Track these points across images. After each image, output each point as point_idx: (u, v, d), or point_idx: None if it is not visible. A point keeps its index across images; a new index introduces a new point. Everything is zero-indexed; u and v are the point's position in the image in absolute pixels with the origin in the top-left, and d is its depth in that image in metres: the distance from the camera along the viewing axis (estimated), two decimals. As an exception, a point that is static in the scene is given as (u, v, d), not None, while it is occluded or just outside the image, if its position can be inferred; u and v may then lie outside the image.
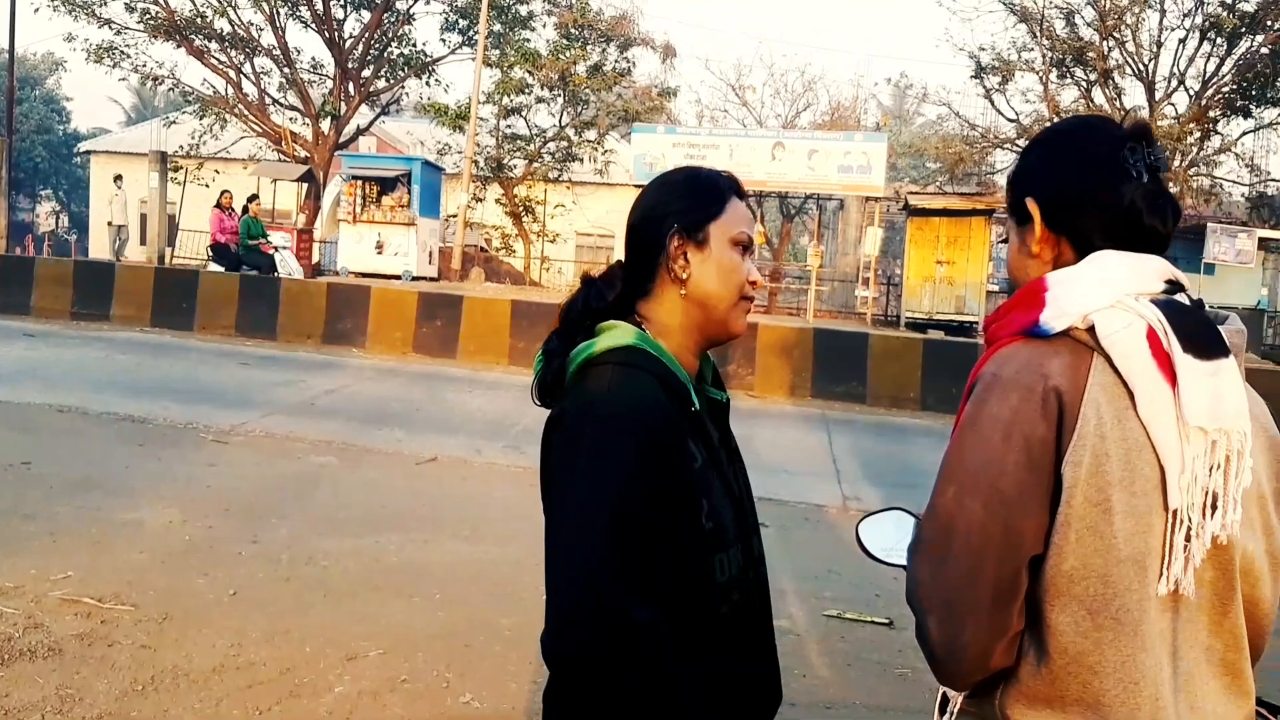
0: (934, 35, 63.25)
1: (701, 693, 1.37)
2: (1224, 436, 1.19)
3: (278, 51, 23.01)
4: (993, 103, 22.10)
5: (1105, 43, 20.18)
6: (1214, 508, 1.19)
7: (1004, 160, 23.17)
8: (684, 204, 1.46)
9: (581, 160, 25.26)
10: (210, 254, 16.14)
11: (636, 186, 17.67)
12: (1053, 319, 1.23)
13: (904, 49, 64.14)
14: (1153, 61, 20.46)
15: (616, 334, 1.42)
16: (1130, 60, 20.57)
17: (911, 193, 22.38)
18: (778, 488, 7.00)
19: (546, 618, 1.28)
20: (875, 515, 1.74)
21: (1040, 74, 21.13)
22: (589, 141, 25.02)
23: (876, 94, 37.96)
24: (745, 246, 1.47)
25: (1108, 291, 1.23)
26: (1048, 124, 20.25)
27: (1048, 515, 1.20)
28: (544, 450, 1.39)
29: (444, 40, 24.45)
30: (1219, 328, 1.24)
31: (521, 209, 25.37)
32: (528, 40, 24.09)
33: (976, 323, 17.67)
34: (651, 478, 1.31)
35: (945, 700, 1.37)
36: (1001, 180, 23.67)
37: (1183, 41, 20.19)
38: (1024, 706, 1.23)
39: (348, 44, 23.25)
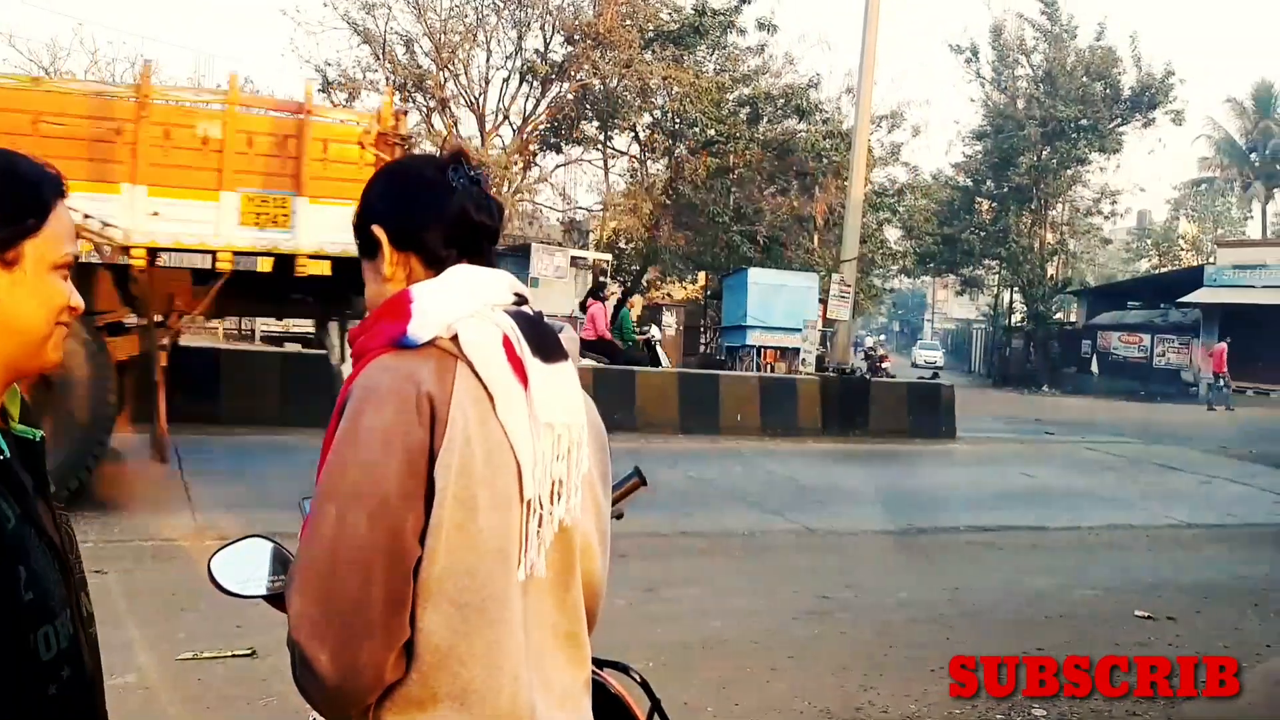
0: (279, 43, 62.16)
1: None
2: (566, 430, 1.34)
3: None
4: (341, 118, 22.46)
5: (442, 73, 21.83)
6: (559, 495, 1.32)
7: (354, 176, 23.69)
8: None
9: None
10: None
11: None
12: (419, 329, 1.28)
13: (248, 52, 62.00)
14: (482, 96, 22.70)
15: None
16: (464, 92, 22.56)
17: (262, 202, 21.69)
18: (120, 527, 6.23)
19: None
20: (229, 546, 1.60)
21: (385, 96, 22.05)
22: None
23: (220, 97, 35.95)
24: (68, 268, 1.21)
25: (467, 303, 1.31)
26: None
27: (425, 519, 1.23)
28: None
29: None
30: (558, 335, 1.40)
31: None
32: None
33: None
34: None
35: (317, 729, 1.32)
36: (354, 195, 24.20)
37: (506, 81, 22.76)
38: (396, 713, 1.24)
39: None
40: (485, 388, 1.27)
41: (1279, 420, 22.67)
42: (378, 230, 1.38)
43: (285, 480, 7.46)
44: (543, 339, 1.35)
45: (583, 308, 14.91)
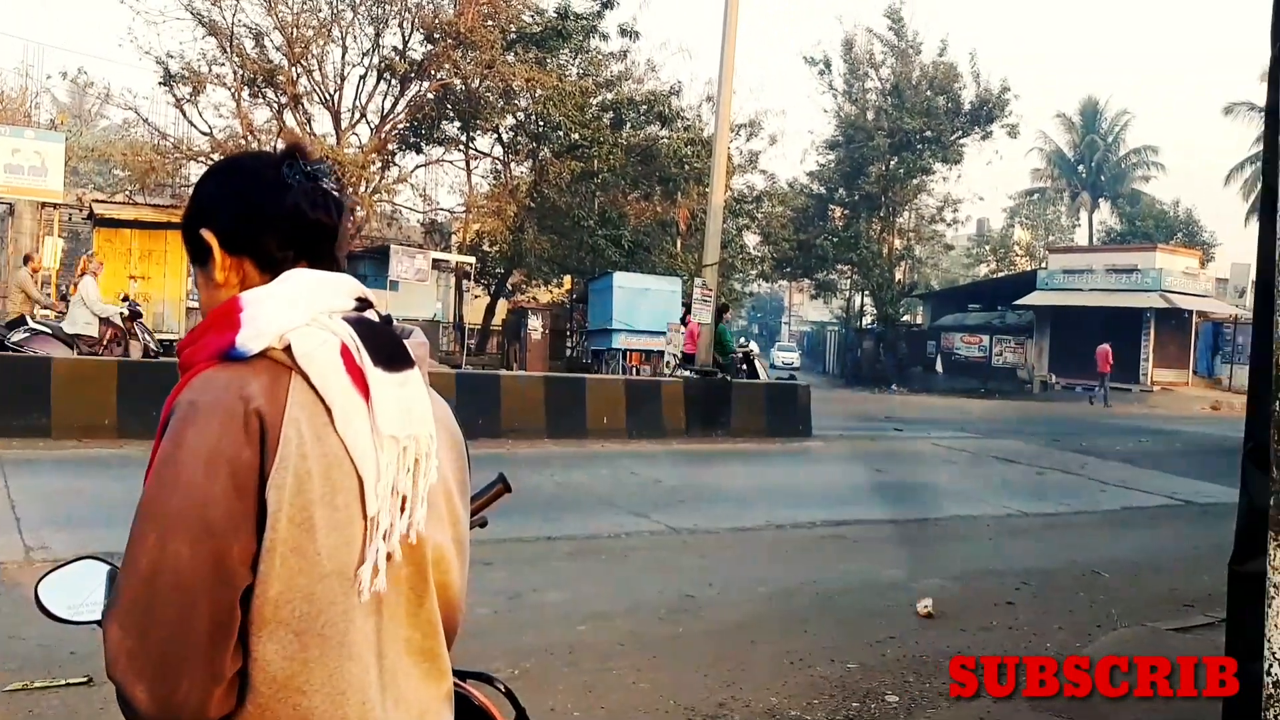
0: (116, 33, 58.36)
1: None
2: (413, 441, 1.28)
3: None
4: (184, 113, 21.35)
5: (294, 69, 21.02)
6: (405, 510, 1.26)
7: (199, 173, 22.53)
8: None
9: None
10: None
11: None
12: (249, 340, 1.21)
13: (82, 42, 58.22)
14: (338, 93, 21.99)
15: None
16: (318, 89, 21.79)
17: (98, 201, 20.47)
18: (-65, 549, 5.73)
19: None
20: (60, 569, 1.51)
21: (233, 90, 21.09)
22: None
23: (51, 88, 33.64)
24: None
25: (302, 310, 1.24)
26: (242, 140, 20.31)
27: (256, 543, 1.16)
28: None
29: None
30: (405, 341, 1.33)
31: None
32: None
33: (178, 340, 16.94)
34: None
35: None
36: (198, 193, 23.00)
37: (363, 78, 22.11)
38: None
39: None
40: (322, 401, 1.21)
41: (1106, 414, 24.40)
42: (207, 234, 1.31)
43: (123, 496, 7.01)
44: (386, 346, 1.28)
45: (683, 322, 15.62)
